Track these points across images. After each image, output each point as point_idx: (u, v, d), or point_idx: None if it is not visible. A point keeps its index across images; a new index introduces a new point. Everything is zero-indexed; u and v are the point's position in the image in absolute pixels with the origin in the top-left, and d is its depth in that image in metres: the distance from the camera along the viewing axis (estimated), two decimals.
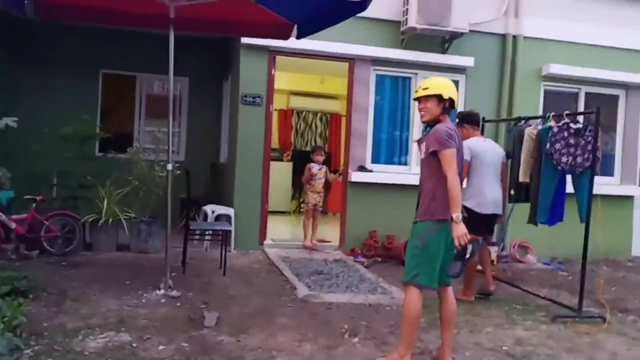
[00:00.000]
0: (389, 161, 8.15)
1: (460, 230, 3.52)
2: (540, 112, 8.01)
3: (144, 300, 4.98)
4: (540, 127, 5.93)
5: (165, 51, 5.32)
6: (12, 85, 8.68)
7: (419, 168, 7.92)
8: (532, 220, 5.92)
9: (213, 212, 7.45)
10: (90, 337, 4.01)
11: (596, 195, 5.37)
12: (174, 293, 5.18)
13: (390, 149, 8.21)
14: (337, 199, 8.88)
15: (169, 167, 5.43)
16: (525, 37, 8.24)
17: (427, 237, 3.68)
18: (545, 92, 8.53)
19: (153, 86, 9.88)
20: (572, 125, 5.64)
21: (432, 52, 7.94)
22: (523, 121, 6.28)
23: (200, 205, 7.89)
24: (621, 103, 8.89)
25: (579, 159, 5.57)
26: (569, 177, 5.76)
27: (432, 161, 3.72)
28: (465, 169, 5.39)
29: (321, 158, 7.91)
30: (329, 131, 12.36)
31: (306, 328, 4.49)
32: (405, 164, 8.18)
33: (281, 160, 11.18)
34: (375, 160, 8.04)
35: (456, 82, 7.63)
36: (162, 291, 5.19)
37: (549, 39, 8.37)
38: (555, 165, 5.61)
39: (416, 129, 8.10)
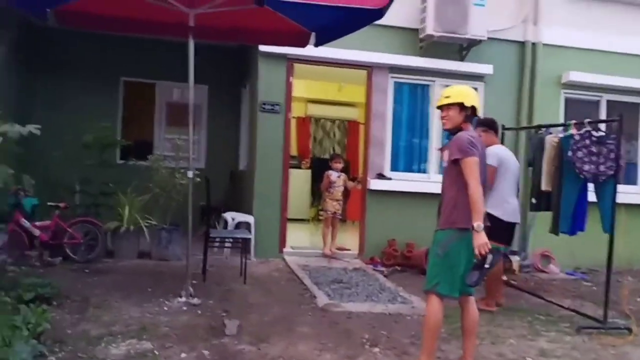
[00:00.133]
0: (408, 169, 8.13)
1: (481, 240, 3.49)
2: (561, 120, 7.94)
3: (165, 308, 5.02)
4: (561, 135, 5.87)
5: (185, 59, 5.38)
6: (31, 92, 8.82)
7: (438, 176, 7.99)
8: (554, 230, 5.85)
9: (233, 219, 7.48)
10: (113, 344, 4.04)
11: (619, 204, 5.29)
12: (195, 301, 5.20)
13: (409, 157, 8.19)
14: (356, 206, 8.87)
15: (190, 174, 5.46)
16: (544, 45, 8.19)
17: (448, 245, 3.66)
18: (566, 100, 8.45)
19: (172, 94, 9.98)
20: (594, 133, 5.57)
21: (450, 59, 7.92)
22: (544, 129, 6.23)
23: (220, 212, 7.93)
24: None
25: (602, 167, 5.49)
26: (590, 186, 5.70)
27: (454, 169, 3.70)
28: (493, 176, 5.35)
29: (340, 166, 7.92)
30: (347, 139, 12.37)
31: (326, 337, 4.48)
32: (425, 171, 8.15)
33: (300, 167, 11.21)
34: (394, 168, 8.03)
35: (475, 90, 7.57)
36: (183, 299, 5.21)
37: (568, 46, 8.30)
38: (578, 173, 5.55)
39: (435, 137, 8.08)
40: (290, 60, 7.62)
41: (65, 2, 5.45)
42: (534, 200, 6.20)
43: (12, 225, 6.38)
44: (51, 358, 3.69)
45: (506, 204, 5.48)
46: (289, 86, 7.69)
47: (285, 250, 7.66)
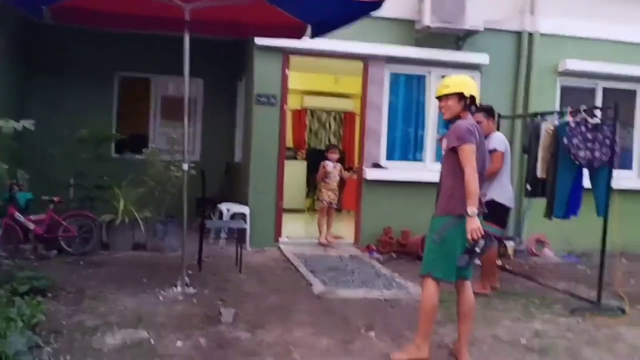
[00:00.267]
0: (404, 158, 8.12)
1: (474, 224, 3.53)
2: (557, 108, 7.94)
3: (161, 298, 5.02)
4: (557, 122, 5.89)
5: (180, 53, 5.36)
6: (26, 88, 8.78)
7: (434, 164, 8.01)
8: (548, 214, 5.89)
9: (228, 210, 7.48)
10: (109, 334, 4.04)
11: (614, 190, 5.31)
12: (191, 290, 5.21)
13: (405, 147, 8.18)
14: (351, 196, 8.88)
15: (185, 167, 5.47)
16: (541, 34, 8.16)
17: (445, 232, 3.69)
18: (562, 88, 8.44)
19: (168, 88, 9.96)
20: (589, 120, 5.59)
21: (446, 49, 7.90)
22: (540, 116, 6.24)
23: (216, 204, 7.94)
24: (639, 97, 8.78)
25: (597, 154, 5.53)
26: (585, 172, 5.71)
27: (452, 157, 3.73)
28: (501, 160, 5.51)
29: (336, 156, 7.92)
30: (343, 130, 12.37)
31: (322, 323, 4.49)
32: (421, 160, 8.15)
33: (295, 159, 11.21)
34: (390, 157, 8.02)
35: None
36: (179, 289, 5.22)
37: (565, 35, 8.28)
38: (573, 160, 5.57)
39: (431, 126, 8.08)
40: (286, 52, 7.60)
41: None
42: (529, 187, 6.23)
43: (6, 219, 6.37)
44: (47, 349, 3.69)
45: (506, 189, 5.60)
46: (284, 78, 7.66)
47: (281, 239, 7.66)
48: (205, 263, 6.23)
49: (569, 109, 5.79)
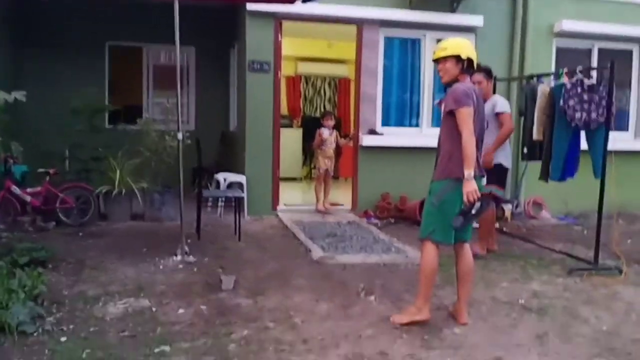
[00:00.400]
0: (400, 124, 8.11)
1: (470, 187, 3.54)
2: (553, 70, 7.88)
3: (161, 267, 5.04)
4: (553, 84, 5.85)
5: (171, 21, 5.26)
6: (17, 60, 8.65)
7: (430, 130, 7.98)
8: (544, 176, 5.90)
9: (225, 179, 7.47)
10: (110, 303, 4.07)
11: (610, 151, 5.31)
12: (191, 259, 5.23)
13: (401, 112, 8.15)
14: (348, 164, 8.86)
15: (179, 136, 5.43)
16: None
17: (443, 195, 3.70)
18: (558, 49, 8.38)
19: (160, 57, 9.83)
20: (585, 81, 5.55)
21: (440, 12, 7.79)
22: (535, 78, 6.20)
23: (212, 173, 7.91)
24: (635, 58, 8.73)
25: (593, 115, 5.50)
26: (582, 134, 5.70)
27: (449, 121, 3.72)
28: (511, 121, 5.59)
29: (331, 123, 7.88)
30: (338, 96, 12.28)
31: (322, 288, 4.53)
32: (417, 125, 8.12)
33: (291, 127, 11.15)
34: (386, 123, 8.00)
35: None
36: (178, 257, 5.24)
37: None
38: (569, 121, 5.55)
39: (427, 91, 8.02)
40: (278, 18, 7.48)
41: None
42: (525, 150, 6.22)
43: (2, 192, 6.35)
44: (49, 319, 3.71)
45: (508, 151, 5.68)
46: (277, 45, 7.56)
47: (278, 208, 7.68)
48: (203, 232, 6.24)
49: (565, 70, 5.75)
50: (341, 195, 8.51)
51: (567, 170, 5.79)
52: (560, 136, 5.67)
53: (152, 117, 7.94)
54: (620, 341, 3.63)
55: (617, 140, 6.76)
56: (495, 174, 5.42)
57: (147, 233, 6.40)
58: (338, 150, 8.23)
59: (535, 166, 6.08)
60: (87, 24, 8.93)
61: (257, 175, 7.53)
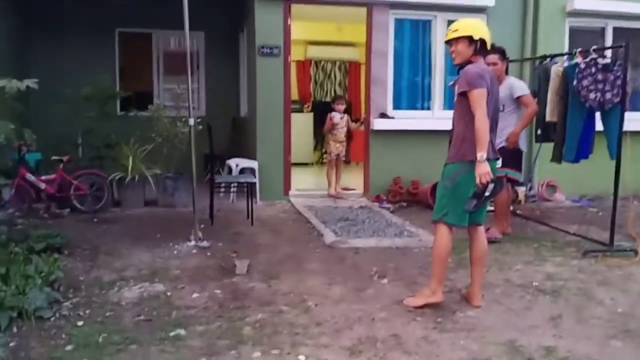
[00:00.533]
0: (411, 107, 8.03)
1: (483, 169, 3.51)
2: (566, 51, 7.77)
3: (175, 252, 5.08)
4: (566, 64, 5.76)
5: (180, 6, 5.24)
6: (27, 47, 8.68)
7: (442, 112, 7.92)
8: (557, 158, 5.84)
9: (237, 165, 7.48)
10: (126, 288, 4.11)
11: (625, 132, 5.25)
12: (204, 244, 5.26)
13: (412, 95, 8.07)
14: (359, 148, 8.83)
15: (191, 122, 5.44)
16: None
17: (457, 178, 3.68)
18: (571, 29, 8.24)
19: (169, 42, 9.82)
20: (599, 60, 5.46)
21: None
22: (549, 59, 6.11)
23: (224, 159, 7.93)
24: None
25: (608, 95, 5.41)
26: (597, 115, 5.63)
27: (462, 102, 3.68)
28: (534, 101, 5.60)
29: (342, 107, 7.83)
30: (349, 80, 12.19)
31: (335, 272, 4.55)
32: (428, 109, 8.05)
33: (302, 112, 11.10)
34: (397, 106, 7.93)
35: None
36: (192, 242, 5.28)
37: None
38: (583, 102, 5.47)
39: (438, 73, 7.95)
40: (288, 1, 7.42)
41: None
42: (539, 132, 6.17)
43: (17, 180, 6.40)
44: (66, 304, 3.76)
45: (523, 134, 5.61)
46: (287, 28, 7.51)
47: (290, 193, 7.67)
48: (216, 217, 6.27)
49: (579, 50, 5.66)
50: (353, 179, 8.49)
51: (581, 151, 5.72)
52: (574, 117, 5.59)
53: (163, 104, 7.93)
54: (636, 323, 3.61)
55: (633, 121, 6.68)
56: (512, 156, 5.38)
57: (160, 219, 6.45)
58: (349, 135, 8.19)
59: (550, 148, 6.02)
60: (96, 10, 8.92)
61: (269, 160, 7.53)
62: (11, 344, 3.16)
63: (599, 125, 5.65)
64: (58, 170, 6.68)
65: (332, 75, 12.15)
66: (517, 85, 5.58)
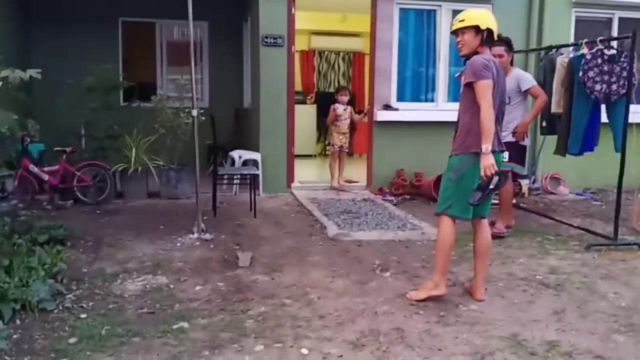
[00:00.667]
0: (416, 99, 8.00)
1: (487, 161, 3.49)
2: (572, 41, 7.71)
3: (178, 244, 5.08)
4: (572, 55, 5.71)
5: None
6: (29, 37, 8.65)
7: (446, 104, 7.87)
8: (560, 151, 5.80)
9: (240, 157, 7.47)
10: (129, 280, 4.12)
11: (631, 124, 5.21)
12: (207, 236, 5.26)
13: (416, 86, 8.04)
14: (362, 140, 8.79)
15: (194, 112, 5.42)
16: None
17: (461, 169, 3.66)
18: (577, 19, 8.17)
19: (173, 32, 9.78)
20: (605, 51, 5.41)
21: None
22: (554, 50, 6.06)
23: (227, 151, 7.91)
24: None
25: (614, 87, 5.37)
26: (602, 107, 5.58)
27: (468, 94, 3.65)
28: (544, 92, 5.55)
29: (346, 98, 7.80)
30: (352, 71, 12.14)
31: (338, 265, 4.54)
32: (432, 100, 8.01)
33: (305, 103, 11.07)
34: (401, 98, 7.89)
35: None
36: (195, 235, 5.27)
37: None
38: (589, 94, 5.43)
39: (442, 64, 7.90)
40: None
41: None
42: (544, 124, 6.13)
43: (20, 171, 6.40)
44: (69, 296, 3.77)
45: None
46: (291, 18, 7.46)
47: (293, 185, 7.66)
48: (219, 209, 6.27)
49: (585, 40, 5.60)
50: (356, 172, 8.47)
51: (586, 144, 5.68)
52: (580, 109, 5.55)
53: (166, 94, 7.91)
54: (639, 317, 3.59)
55: (638, 113, 6.63)
56: (515, 151, 5.35)
57: (163, 210, 6.45)
58: (353, 126, 8.16)
59: (553, 141, 5.98)
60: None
61: (272, 152, 7.51)
62: (14, 336, 3.17)
63: (603, 118, 5.62)
64: (61, 161, 6.68)
65: (336, 65, 12.10)
66: (525, 78, 5.54)
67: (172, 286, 4.02)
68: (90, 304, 3.67)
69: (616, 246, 5.06)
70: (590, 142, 5.69)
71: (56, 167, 6.67)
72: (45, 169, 6.63)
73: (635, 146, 5.27)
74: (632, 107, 5.23)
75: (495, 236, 4.83)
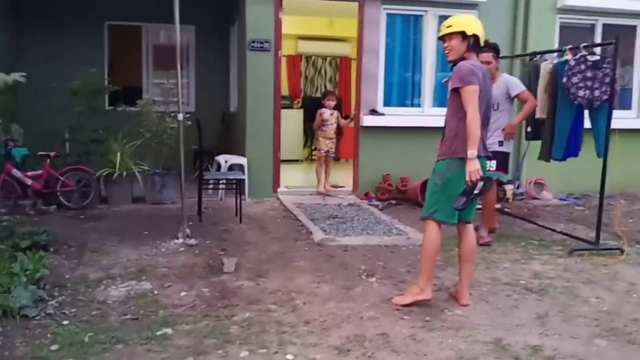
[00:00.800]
0: (402, 104, 8.04)
1: (473, 166, 3.51)
2: (556, 47, 7.79)
3: (162, 250, 5.04)
4: (556, 61, 5.77)
5: None
6: (15, 40, 8.56)
7: (432, 109, 7.92)
8: (544, 156, 5.85)
9: (226, 162, 7.44)
10: (112, 286, 4.08)
11: (614, 129, 5.27)
12: (192, 241, 5.23)
13: (403, 91, 8.08)
14: (349, 146, 8.82)
15: (180, 117, 5.40)
16: None
17: (447, 175, 3.68)
18: (561, 26, 8.28)
19: (159, 36, 9.74)
20: (589, 57, 5.47)
21: None
22: (539, 56, 6.13)
23: (213, 155, 7.89)
24: (639, 34, 8.62)
25: (597, 93, 5.42)
26: (586, 113, 5.64)
27: (455, 99, 3.68)
28: (533, 96, 5.61)
29: (332, 103, 7.82)
30: (339, 76, 12.17)
31: (323, 270, 4.54)
32: (419, 106, 8.06)
33: (291, 108, 11.06)
34: (387, 103, 7.93)
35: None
36: (180, 240, 5.24)
37: None
38: (572, 99, 5.48)
39: (429, 70, 7.94)
40: None
41: None
42: (529, 129, 6.18)
43: (3, 175, 6.33)
44: (51, 302, 3.72)
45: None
46: (278, 23, 7.47)
47: (279, 190, 7.65)
48: (205, 214, 6.24)
49: (569, 46, 5.67)
50: (342, 176, 8.48)
51: (570, 149, 5.74)
52: (563, 114, 5.60)
53: (152, 98, 7.87)
54: (621, 321, 3.63)
55: (621, 119, 6.73)
56: (500, 159, 5.38)
57: (148, 216, 6.40)
58: (339, 131, 8.18)
59: (537, 146, 6.04)
60: (85, 2, 8.82)
61: (258, 157, 7.50)
62: None
63: (587, 123, 5.68)
64: (45, 166, 6.61)
65: (323, 70, 12.12)
66: (514, 83, 5.59)
67: (156, 292, 3.99)
68: (73, 310, 3.63)
69: (598, 251, 5.11)
70: (575, 147, 5.74)
71: (40, 171, 6.61)
72: (29, 173, 6.56)
73: (617, 152, 5.32)
74: (615, 113, 5.30)
75: (482, 244, 4.91)
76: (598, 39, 8.29)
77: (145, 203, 7.00)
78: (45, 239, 4.85)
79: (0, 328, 3.30)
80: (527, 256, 5.06)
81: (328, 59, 12.09)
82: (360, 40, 7.75)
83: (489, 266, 4.72)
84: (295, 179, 8.55)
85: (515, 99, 5.68)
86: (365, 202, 7.30)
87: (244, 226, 5.99)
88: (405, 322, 3.53)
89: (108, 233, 5.57)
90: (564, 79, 5.45)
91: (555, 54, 5.93)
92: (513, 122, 5.55)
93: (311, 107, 9.66)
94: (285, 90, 10.89)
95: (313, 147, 9.64)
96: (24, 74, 5.19)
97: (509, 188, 7.58)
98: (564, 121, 5.61)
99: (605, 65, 5.39)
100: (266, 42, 7.40)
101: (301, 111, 11.10)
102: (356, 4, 7.68)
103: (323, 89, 11.57)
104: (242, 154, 7.56)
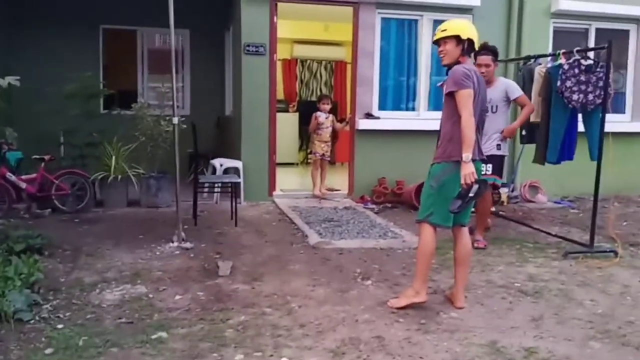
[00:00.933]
0: (397, 107, 8.07)
1: (467, 170, 3.53)
2: (550, 51, 7.83)
3: (157, 253, 5.04)
4: (550, 65, 5.81)
5: (165, 3, 5.19)
6: (9, 44, 8.54)
7: (427, 113, 7.95)
8: (539, 159, 5.88)
9: (221, 165, 7.44)
10: (107, 290, 4.07)
11: (607, 133, 5.30)
12: (187, 245, 5.23)
13: (398, 95, 8.10)
14: (344, 149, 8.82)
15: (175, 120, 5.40)
16: None
17: (442, 178, 3.69)
18: (555, 30, 8.33)
19: (154, 40, 9.73)
20: (582, 61, 5.51)
21: None
22: (533, 60, 6.16)
23: (208, 159, 7.88)
24: (632, 38, 8.68)
25: (590, 96, 5.46)
26: (580, 116, 5.68)
27: (450, 103, 3.71)
28: (530, 101, 5.65)
29: (328, 107, 7.83)
30: (334, 79, 12.19)
31: (319, 273, 4.54)
32: (414, 109, 8.08)
33: (287, 111, 11.08)
34: (383, 107, 7.95)
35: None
36: (175, 243, 5.24)
37: None
38: (566, 103, 5.52)
39: (424, 74, 7.97)
40: None
41: None
42: (524, 133, 6.21)
43: None
44: (46, 306, 3.71)
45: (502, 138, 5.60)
46: (273, 27, 7.48)
47: (275, 193, 7.65)
48: (200, 218, 6.24)
49: (562, 50, 5.71)
50: (338, 179, 8.49)
51: (564, 152, 5.77)
52: (558, 118, 5.63)
53: (147, 102, 7.87)
54: (615, 323, 3.65)
55: (615, 122, 6.75)
56: (495, 163, 5.40)
57: (143, 219, 6.39)
58: (334, 135, 8.18)
59: (532, 149, 6.06)
60: (80, 6, 8.81)
61: (254, 160, 7.50)
62: None
63: (580, 127, 5.71)
64: (39, 169, 6.59)
65: (318, 74, 12.14)
66: (513, 86, 5.63)
67: (151, 295, 3.98)
68: (68, 314, 3.62)
69: (592, 254, 5.14)
70: (569, 151, 5.78)
71: (34, 175, 6.59)
72: (23, 177, 6.54)
73: (611, 155, 5.35)
74: (608, 117, 5.32)
75: (477, 247, 4.92)
76: (591, 43, 8.34)
77: (140, 206, 6.99)
78: (39, 243, 4.84)
79: None
80: (522, 259, 5.08)
81: (323, 62, 12.11)
82: (355, 44, 7.78)
83: (484, 269, 4.73)
84: (291, 183, 8.56)
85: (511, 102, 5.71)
86: (361, 206, 7.30)
87: (239, 229, 5.99)
88: (401, 325, 3.54)
89: (103, 237, 5.55)
90: (558, 83, 5.49)
91: (549, 58, 5.97)
92: (513, 126, 5.62)
93: (306, 111, 9.68)
94: (280, 94, 10.89)
95: (308, 151, 9.65)
96: (18, 77, 5.19)
97: (503, 191, 7.62)
98: (558, 125, 5.64)
99: (598, 70, 5.43)
100: (261, 46, 7.42)
101: (297, 115, 11.11)
102: (351, 8, 7.71)
103: (318, 93, 11.58)
104: (238, 158, 7.56)
